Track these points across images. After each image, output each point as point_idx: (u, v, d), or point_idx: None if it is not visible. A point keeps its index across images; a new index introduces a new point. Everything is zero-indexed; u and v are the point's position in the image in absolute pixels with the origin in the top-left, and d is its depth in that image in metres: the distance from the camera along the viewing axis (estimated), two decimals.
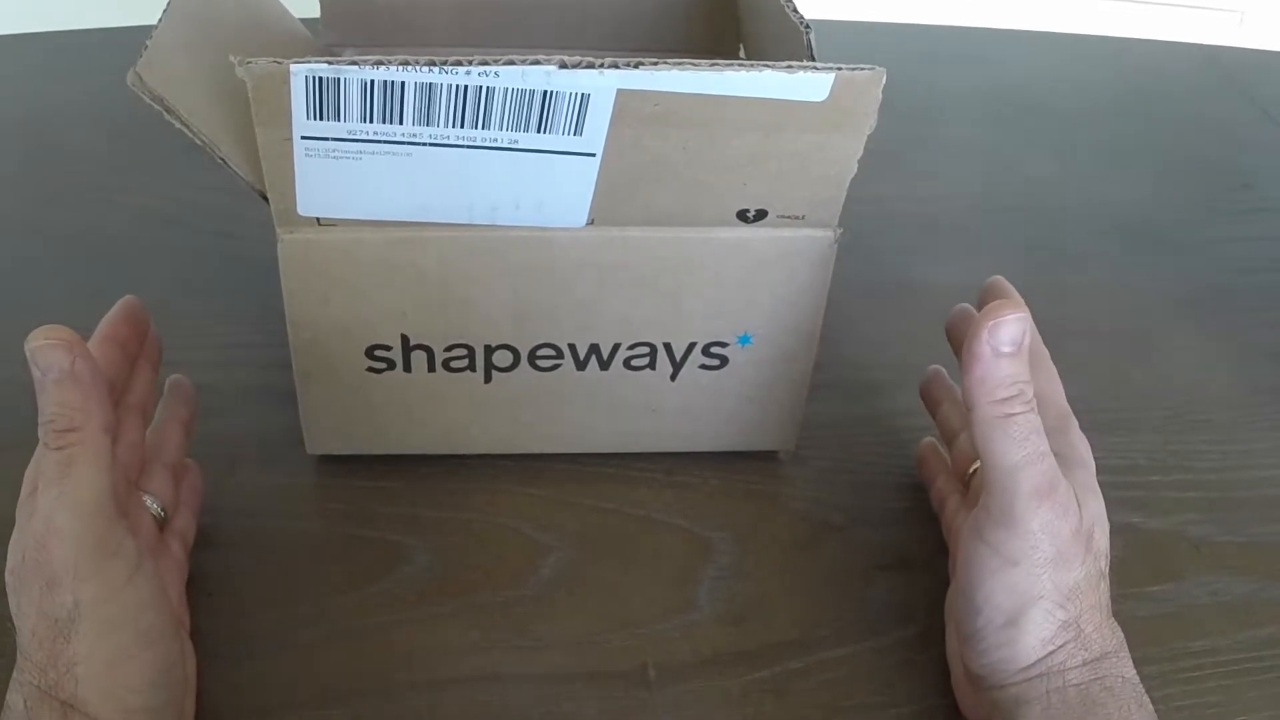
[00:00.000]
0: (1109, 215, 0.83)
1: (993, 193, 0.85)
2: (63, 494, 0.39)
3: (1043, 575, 0.42)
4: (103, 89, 0.87)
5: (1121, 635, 0.44)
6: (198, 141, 0.44)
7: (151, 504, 0.47)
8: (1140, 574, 0.54)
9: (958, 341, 0.54)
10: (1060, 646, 0.42)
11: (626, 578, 0.52)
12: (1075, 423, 0.48)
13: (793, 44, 0.48)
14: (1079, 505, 0.43)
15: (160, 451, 0.50)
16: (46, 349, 0.40)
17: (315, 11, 0.64)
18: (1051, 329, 0.50)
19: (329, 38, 0.64)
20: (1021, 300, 0.48)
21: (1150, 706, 0.42)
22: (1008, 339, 0.42)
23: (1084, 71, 1.07)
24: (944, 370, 0.57)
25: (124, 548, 0.41)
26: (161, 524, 0.48)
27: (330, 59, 0.41)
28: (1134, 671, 0.43)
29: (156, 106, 0.43)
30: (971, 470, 0.52)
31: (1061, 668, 0.42)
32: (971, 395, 0.43)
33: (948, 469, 0.55)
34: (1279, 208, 0.86)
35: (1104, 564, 0.44)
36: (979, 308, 0.52)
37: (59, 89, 0.92)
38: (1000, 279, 0.52)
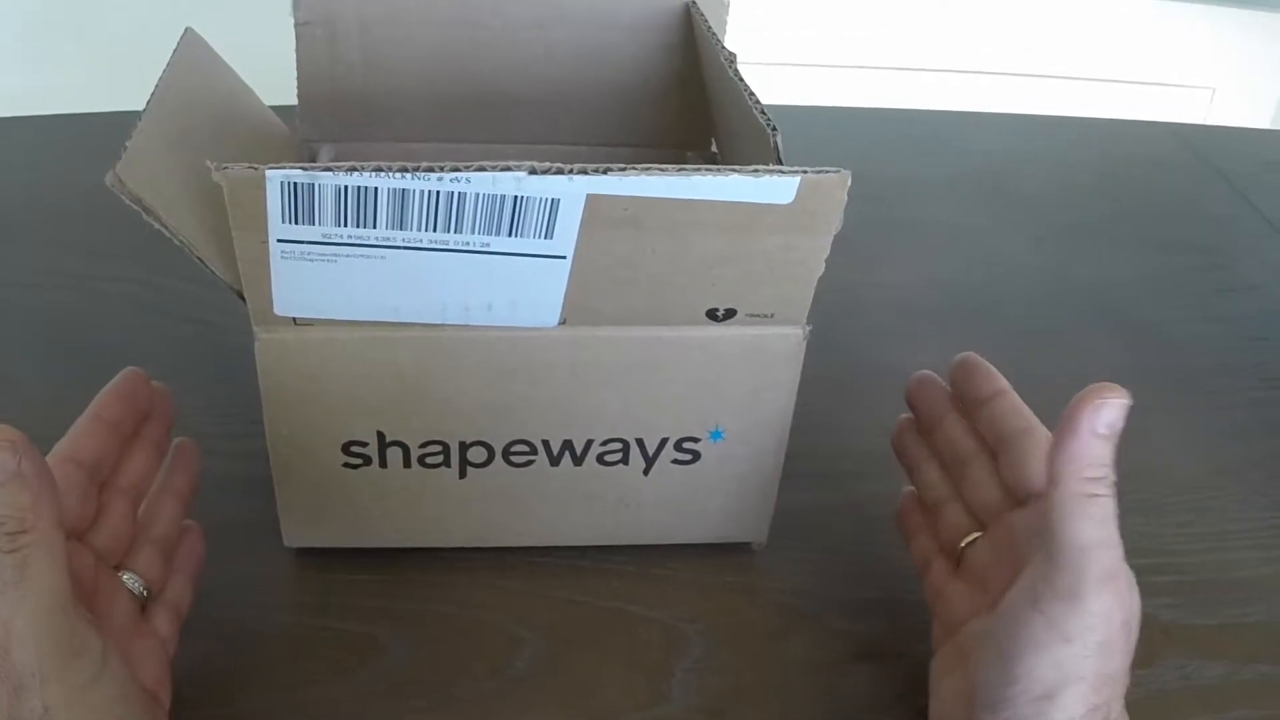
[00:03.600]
0: (1078, 297, 0.84)
1: (961, 276, 0.86)
2: (21, 597, 0.39)
3: (1089, 658, 0.42)
4: (84, 173, 0.87)
5: None
6: (176, 241, 0.45)
7: (132, 583, 0.46)
8: None
9: (923, 407, 0.54)
10: None
11: (601, 670, 0.52)
12: None
13: (760, 143, 0.48)
14: (1131, 600, 0.44)
15: (150, 526, 0.48)
16: None
17: (293, 97, 0.64)
18: None
19: (306, 132, 0.65)
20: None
21: None
22: (1107, 422, 0.42)
23: (1051, 152, 1.08)
24: (912, 422, 0.55)
25: (88, 646, 0.41)
26: (144, 602, 0.47)
27: (305, 165, 0.41)
28: None
29: (135, 207, 0.43)
30: (964, 544, 0.50)
31: None
32: (1059, 469, 0.42)
33: (928, 530, 0.53)
34: (1250, 286, 0.87)
35: (1129, 661, 0.44)
36: (950, 383, 0.53)
37: (40, 173, 0.92)
38: (973, 355, 0.52)
